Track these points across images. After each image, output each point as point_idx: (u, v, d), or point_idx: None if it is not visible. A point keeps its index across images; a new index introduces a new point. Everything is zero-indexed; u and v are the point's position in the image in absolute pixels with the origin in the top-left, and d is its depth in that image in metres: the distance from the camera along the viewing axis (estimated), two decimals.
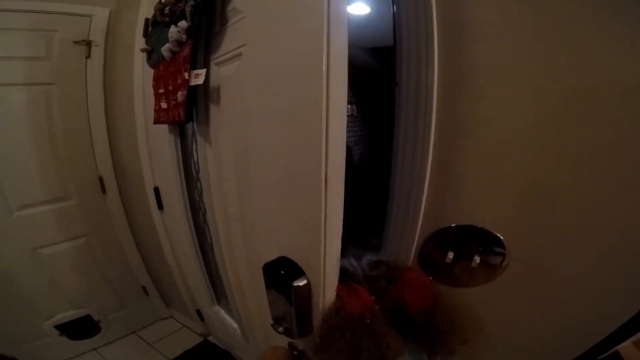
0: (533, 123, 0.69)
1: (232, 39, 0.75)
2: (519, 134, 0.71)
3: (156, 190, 1.36)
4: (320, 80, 0.51)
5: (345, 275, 0.79)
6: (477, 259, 0.85)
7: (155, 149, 1.26)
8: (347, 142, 1.29)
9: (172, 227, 1.41)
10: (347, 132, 1.22)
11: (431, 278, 0.89)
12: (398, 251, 0.91)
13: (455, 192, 0.83)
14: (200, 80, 0.77)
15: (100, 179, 1.61)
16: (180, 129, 1.10)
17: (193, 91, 0.83)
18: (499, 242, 0.79)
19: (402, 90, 0.82)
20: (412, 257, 0.91)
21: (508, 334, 0.86)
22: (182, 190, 1.19)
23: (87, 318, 1.73)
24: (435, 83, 0.76)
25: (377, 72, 1.04)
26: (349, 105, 1.26)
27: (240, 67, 0.73)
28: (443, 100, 0.77)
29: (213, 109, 0.88)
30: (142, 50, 1.13)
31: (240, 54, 0.72)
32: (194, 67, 0.81)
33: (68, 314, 1.67)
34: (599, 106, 0.62)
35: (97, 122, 1.55)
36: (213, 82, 0.85)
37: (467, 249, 0.84)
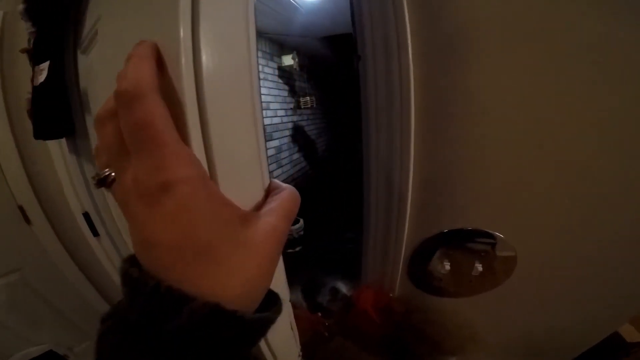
0: (538, 102, 0.53)
1: (92, 14, 0.50)
2: (521, 116, 0.55)
3: (86, 216, 1.11)
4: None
5: None
6: (478, 266, 0.72)
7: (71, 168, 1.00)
8: (309, 135, 1.07)
9: (114, 253, 1.18)
10: (309, 124, 0.98)
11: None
12: (383, 273, 0.72)
13: (444, 190, 0.66)
14: (42, 78, 0.55)
15: (21, 208, 1.34)
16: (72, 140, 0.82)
17: (40, 93, 0.59)
18: (502, 243, 0.66)
19: (367, 66, 0.61)
20: (399, 276, 0.72)
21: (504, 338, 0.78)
22: (100, 213, 0.95)
23: (52, 353, 1.61)
24: (410, 54, 0.55)
25: (335, 60, 0.87)
26: (307, 98, 1.08)
27: (98, 50, 0.48)
28: (422, 74, 0.57)
29: (87, 114, 0.62)
30: (22, 51, 0.86)
31: (97, 33, 0.46)
32: (39, 62, 0.58)
33: (28, 352, 1.53)
34: None
35: (2, 141, 1.26)
36: (83, 77, 0.60)
37: (464, 255, 0.71)
